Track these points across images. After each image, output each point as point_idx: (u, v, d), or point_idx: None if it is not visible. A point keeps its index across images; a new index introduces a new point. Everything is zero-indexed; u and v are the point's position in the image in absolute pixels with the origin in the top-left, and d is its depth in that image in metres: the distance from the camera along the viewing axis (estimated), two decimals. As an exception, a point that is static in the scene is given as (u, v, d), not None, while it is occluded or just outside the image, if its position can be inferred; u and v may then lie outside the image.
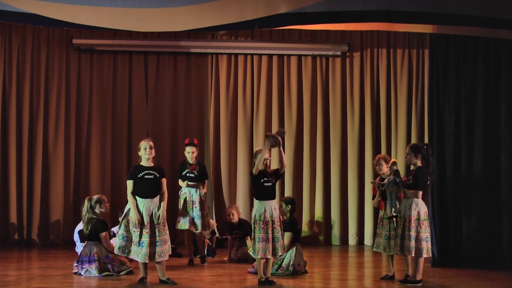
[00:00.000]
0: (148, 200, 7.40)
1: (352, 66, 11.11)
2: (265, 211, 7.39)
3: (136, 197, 7.41)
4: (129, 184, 7.44)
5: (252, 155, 10.99)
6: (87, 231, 8.09)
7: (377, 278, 7.88)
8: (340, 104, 11.06)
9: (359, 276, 8.33)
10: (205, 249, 9.34)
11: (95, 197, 8.28)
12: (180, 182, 8.91)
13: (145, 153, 7.50)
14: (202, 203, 8.77)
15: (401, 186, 7.46)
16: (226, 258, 9.17)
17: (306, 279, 7.86)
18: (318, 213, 10.92)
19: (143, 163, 7.54)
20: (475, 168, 8.89)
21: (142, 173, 7.46)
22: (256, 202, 7.48)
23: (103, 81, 10.95)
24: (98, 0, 8.11)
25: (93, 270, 7.86)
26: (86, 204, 8.17)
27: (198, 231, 8.75)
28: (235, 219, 9.39)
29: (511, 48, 8.88)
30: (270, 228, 7.37)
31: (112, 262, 7.99)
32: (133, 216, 7.32)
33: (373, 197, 8.13)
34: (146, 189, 7.44)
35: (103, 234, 8.05)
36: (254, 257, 7.59)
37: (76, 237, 9.09)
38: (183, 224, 8.70)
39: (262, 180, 7.43)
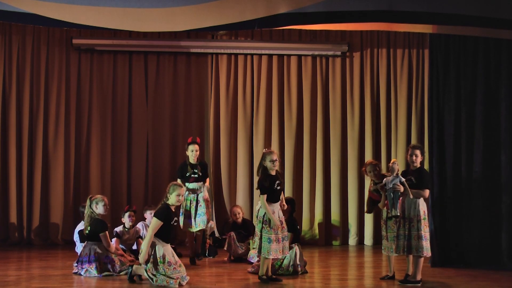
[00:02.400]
0: None
1: (352, 66, 11.10)
2: (273, 212, 7.45)
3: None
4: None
5: (252, 155, 11.03)
6: (87, 231, 8.09)
7: (377, 278, 7.88)
8: (340, 104, 11.05)
9: (359, 276, 8.33)
10: (207, 249, 9.37)
11: (97, 196, 8.28)
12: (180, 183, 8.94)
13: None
14: (207, 201, 8.87)
15: (406, 186, 7.44)
16: (226, 258, 9.18)
17: (306, 279, 7.86)
18: (319, 215, 10.93)
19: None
20: (475, 168, 8.88)
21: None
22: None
23: (103, 81, 10.94)
24: (98, 0, 8.11)
25: (93, 270, 7.86)
26: (87, 203, 8.17)
27: (204, 228, 8.85)
28: (241, 218, 9.46)
29: (511, 48, 8.88)
30: (280, 229, 7.46)
31: (112, 262, 7.99)
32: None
33: (371, 203, 8.03)
34: None
35: (103, 234, 8.04)
36: (265, 256, 7.50)
37: (76, 237, 9.10)
38: (192, 225, 8.77)
39: (275, 184, 7.49)
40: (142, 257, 7.29)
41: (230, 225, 9.59)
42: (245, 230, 9.34)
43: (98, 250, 7.98)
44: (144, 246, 7.31)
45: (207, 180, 9.13)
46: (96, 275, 7.82)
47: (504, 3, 8.36)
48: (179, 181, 8.90)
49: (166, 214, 7.43)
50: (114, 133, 10.94)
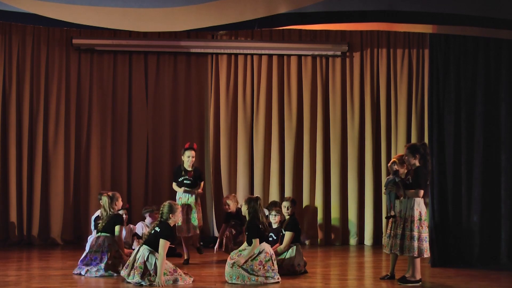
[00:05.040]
0: None
1: (352, 66, 11.10)
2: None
3: None
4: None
5: (252, 155, 11.03)
6: (104, 223, 8.09)
7: (377, 278, 7.88)
8: (340, 104, 11.05)
9: (359, 276, 8.34)
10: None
11: (111, 193, 8.28)
12: (175, 187, 8.89)
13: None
14: (197, 206, 8.79)
15: (400, 186, 7.46)
16: (216, 245, 9.13)
17: (306, 279, 7.86)
18: (319, 215, 10.92)
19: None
20: (475, 168, 8.89)
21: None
22: None
23: (103, 81, 10.95)
24: (98, 0, 8.11)
25: (93, 270, 7.85)
26: (107, 201, 8.15)
27: (196, 232, 8.79)
28: (232, 208, 9.32)
29: (511, 48, 8.88)
30: None
31: (120, 258, 8.00)
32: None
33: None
34: None
35: (119, 227, 8.07)
36: None
37: (92, 225, 8.98)
38: (184, 230, 8.72)
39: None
40: (160, 280, 7.27)
41: (224, 216, 9.52)
42: (239, 219, 9.19)
43: (111, 242, 8.00)
44: (159, 270, 7.31)
45: (201, 184, 8.96)
46: (97, 275, 7.81)
47: (504, 3, 8.36)
48: (174, 185, 8.91)
49: (172, 233, 7.63)
50: (114, 133, 10.94)
